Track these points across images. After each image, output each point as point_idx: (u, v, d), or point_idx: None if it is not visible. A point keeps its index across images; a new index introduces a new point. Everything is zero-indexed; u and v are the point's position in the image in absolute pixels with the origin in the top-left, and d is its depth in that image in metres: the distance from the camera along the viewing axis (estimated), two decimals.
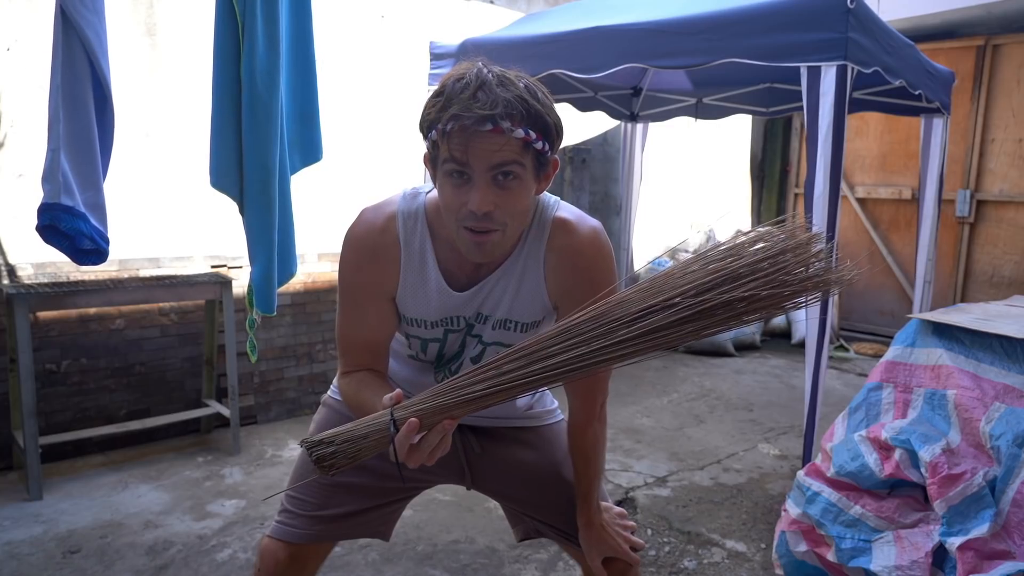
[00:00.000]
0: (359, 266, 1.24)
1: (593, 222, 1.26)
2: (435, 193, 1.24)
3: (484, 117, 1.02)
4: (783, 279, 0.97)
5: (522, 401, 1.45)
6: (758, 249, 1.00)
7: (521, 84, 1.07)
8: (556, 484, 1.42)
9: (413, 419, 0.99)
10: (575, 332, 1.01)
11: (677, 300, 0.98)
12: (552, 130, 1.10)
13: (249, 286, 2.48)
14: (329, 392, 1.49)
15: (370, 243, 1.23)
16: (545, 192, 1.22)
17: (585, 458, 1.34)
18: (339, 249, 1.29)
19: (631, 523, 1.43)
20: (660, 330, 0.98)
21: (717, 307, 0.97)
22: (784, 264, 0.98)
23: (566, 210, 1.26)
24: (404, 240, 1.23)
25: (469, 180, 1.07)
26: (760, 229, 1.05)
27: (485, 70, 1.06)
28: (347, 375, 1.28)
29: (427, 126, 1.09)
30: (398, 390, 1.06)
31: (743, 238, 1.04)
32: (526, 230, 1.22)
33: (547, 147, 1.10)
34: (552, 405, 1.53)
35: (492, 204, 1.07)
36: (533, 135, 1.06)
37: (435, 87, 1.10)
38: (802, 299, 1.00)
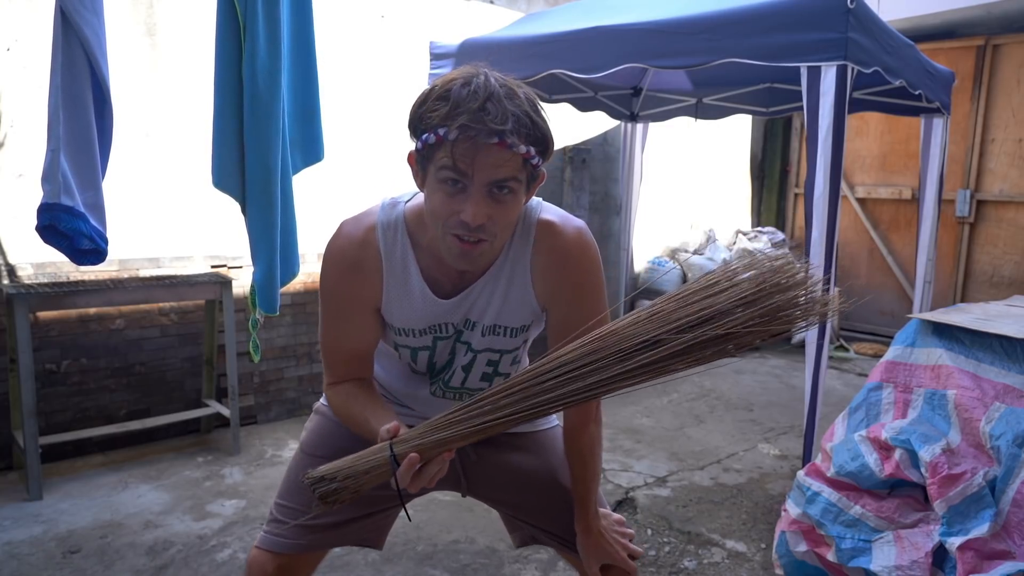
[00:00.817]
0: (340, 279, 1.23)
1: (577, 222, 1.25)
2: (415, 202, 1.22)
3: (493, 131, 1.01)
4: (773, 310, 0.98)
5: None
6: (749, 280, 1.00)
7: (523, 96, 1.06)
8: (553, 489, 1.41)
9: (414, 454, 1.01)
10: (570, 367, 1.01)
11: (670, 336, 0.99)
12: (549, 146, 1.10)
13: (252, 286, 2.48)
14: (321, 400, 1.47)
15: (351, 256, 1.21)
16: None
17: (582, 460, 1.33)
18: None
19: (630, 531, 1.41)
20: (654, 363, 0.99)
21: (709, 340, 0.98)
22: (775, 295, 0.98)
23: (550, 211, 1.25)
24: (385, 251, 1.21)
25: (464, 190, 1.05)
26: (754, 252, 1.06)
27: (492, 80, 1.05)
28: (334, 386, 1.28)
29: (424, 128, 1.06)
30: (395, 422, 1.07)
31: (736, 266, 1.04)
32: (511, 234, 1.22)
33: (541, 162, 1.10)
34: None
35: (486, 217, 1.06)
36: (533, 151, 1.06)
37: (433, 86, 1.07)
38: (794, 327, 1.01)
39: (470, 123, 1.01)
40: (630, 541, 1.39)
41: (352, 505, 1.35)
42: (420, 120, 1.07)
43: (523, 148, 1.04)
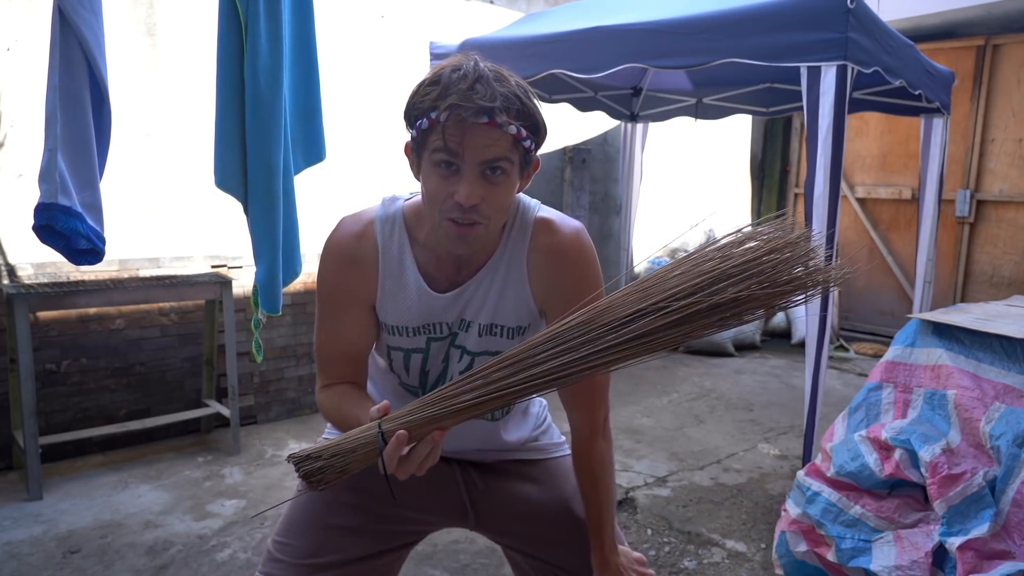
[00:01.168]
0: (338, 274, 1.22)
1: (575, 223, 1.24)
2: (414, 199, 1.23)
3: (482, 109, 1.02)
4: (774, 278, 0.95)
5: (524, 433, 1.40)
6: (747, 249, 0.98)
7: (513, 81, 1.08)
8: (564, 519, 1.34)
9: (402, 432, 0.97)
10: (563, 338, 0.99)
11: (665, 304, 0.96)
12: (541, 130, 1.10)
13: (254, 286, 2.48)
14: (324, 434, 1.42)
15: (349, 250, 1.21)
16: (523, 194, 1.22)
17: (592, 479, 1.26)
18: None
19: (650, 572, 1.33)
20: (649, 334, 0.96)
21: (706, 309, 0.95)
22: (774, 263, 0.96)
23: (547, 211, 1.24)
24: (382, 245, 1.21)
25: (457, 172, 1.06)
26: (747, 228, 1.04)
27: (481, 64, 1.06)
28: (327, 388, 1.25)
29: (417, 114, 1.07)
30: (385, 401, 1.04)
31: (731, 237, 1.02)
32: (508, 231, 1.21)
33: (533, 145, 1.10)
34: (559, 439, 1.47)
35: (479, 197, 1.06)
36: (524, 132, 1.07)
37: (425, 76, 1.08)
38: (795, 297, 0.98)
39: (459, 102, 1.02)
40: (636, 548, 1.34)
41: (359, 542, 1.29)
42: (413, 108, 1.08)
43: (513, 128, 1.04)
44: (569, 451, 1.42)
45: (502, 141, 1.05)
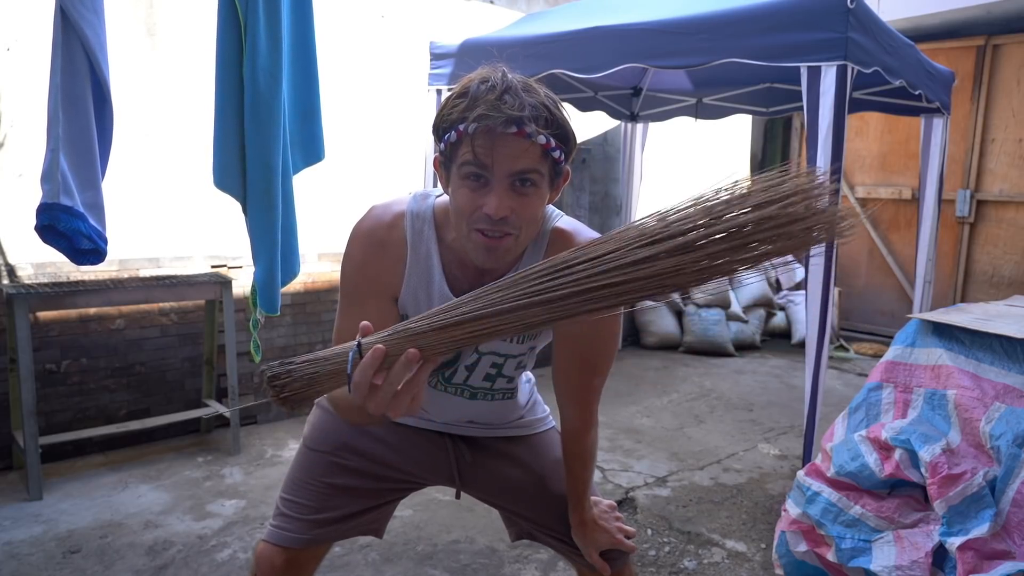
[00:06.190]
0: (364, 261, 1.22)
1: (592, 234, 1.24)
2: (444, 198, 1.23)
3: (511, 119, 1.01)
4: (787, 220, 0.85)
5: (514, 411, 1.46)
6: (764, 191, 0.88)
7: (542, 92, 1.08)
8: (541, 495, 1.44)
9: (379, 346, 0.90)
10: (563, 267, 0.91)
11: (673, 236, 0.86)
12: (570, 140, 1.10)
13: (252, 286, 2.48)
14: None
15: (378, 238, 1.22)
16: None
17: (582, 463, 1.35)
18: (340, 249, 1.28)
19: (619, 515, 1.45)
20: (654, 274, 0.87)
21: (712, 244, 0.85)
22: (789, 207, 0.85)
23: (565, 221, 1.25)
24: (411, 241, 1.22)
25: (487, 184, 1.06)
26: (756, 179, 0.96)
27: (510, 75, 1.07)
28: None
29: (446, 126, 1.07)
30: (366, 322, 0.96)
31: (746, 184, 0.92)
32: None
33: (563, 157, 1.10)
34: (543, 413, 1.54)
35: (509, 209, 1.05)
36: (553, 143, 1.06)
37: (453, 90, 1.09)
38: (810, 239, 0.87)
39: (487, 112, 1.01)
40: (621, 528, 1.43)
41: (359, 499, 1.41)
42: (442, 121, 1.08)
43: (542, 138, 1.04)
44: (552, 424, 1.53)
45: (531, 151, 1.05)
